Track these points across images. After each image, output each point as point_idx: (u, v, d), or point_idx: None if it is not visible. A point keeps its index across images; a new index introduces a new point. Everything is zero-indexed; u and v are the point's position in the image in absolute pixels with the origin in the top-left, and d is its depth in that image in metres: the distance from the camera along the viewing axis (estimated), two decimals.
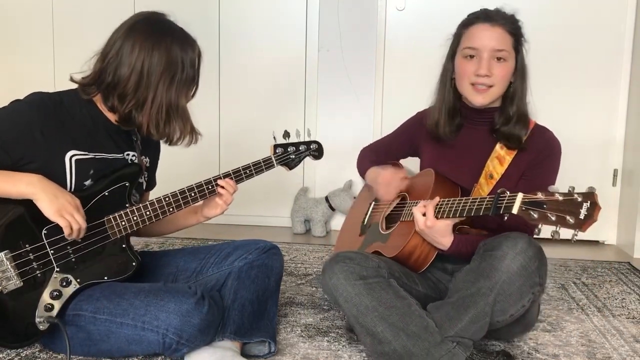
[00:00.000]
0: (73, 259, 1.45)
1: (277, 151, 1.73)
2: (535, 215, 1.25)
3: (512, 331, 1.62)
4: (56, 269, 1.43)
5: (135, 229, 1.52)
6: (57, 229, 1.40)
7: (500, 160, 1.60)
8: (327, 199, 3.09)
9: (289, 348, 1.64)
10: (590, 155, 3.02)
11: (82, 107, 1.49)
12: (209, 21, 3.18)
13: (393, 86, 3.10)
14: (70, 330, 1.42)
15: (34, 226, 1.41)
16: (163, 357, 1.50)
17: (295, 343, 1.68)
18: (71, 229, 1.39)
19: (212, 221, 1.73)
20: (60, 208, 1.37)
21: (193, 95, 1.59)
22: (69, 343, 1.37)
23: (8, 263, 1.38)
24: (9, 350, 1.55)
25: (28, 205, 1.38)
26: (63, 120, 1.45)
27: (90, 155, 1.49)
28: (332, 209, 3.08)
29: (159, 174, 1.80)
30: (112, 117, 1.52)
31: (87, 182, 1.48)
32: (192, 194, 1.58)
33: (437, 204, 1.48)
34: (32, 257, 1.40)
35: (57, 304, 1.42)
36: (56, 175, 1.42)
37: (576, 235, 1.23)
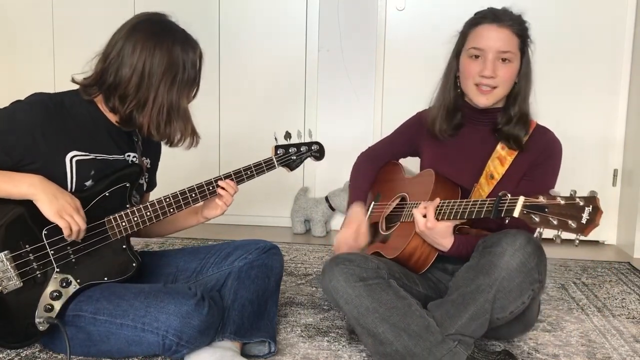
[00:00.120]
0: (73, 260, 1.45)
1: (278, 152, 1.73)
2: (537, 219, 1.25)
3: (513, 330, 1.62)
4: (56, 269, 1.43)
5: (135, 229, 1.52)
6: (58, 229, 1.40)
7: (501, 160, 1.60)
8: (327, 199, 3.09)
9: (289, 348, 1.64)
10: (590, 155, 3.02)
11: (83, 107, 1.49)
12: (209, 21, 3.18)
13: (393, 86, 3.10)
14: (70, 331, 1.42)
15: (34, 226, 1.41)
16: (163, 358, 1.50)
17: (295, 343, 1.68)
18: (71, 230, 1.39)
19: (212, 221, 1.73)
20: (60, 209, 1.37)
21: (194, 97, 1.59)
22: (69, 344, 1.37)
23: (8, 263, 1.38)
24: (9, 350, 1.55)
25: (28, 205, 1.39)
26: (64, 121, 1.45)
27: (91, 156, 1.49)
28: (332, 209, 3.08)
29: (159, 174, 1.80)
30: (113, 117, 1.52)
31: (88, 183, 1.48)
32: (193, 195, 1.58)
33: (438, 206, 1.48)
34: (32, 257, 1.40)
35: (57, 305, 1.42)
36: (57, 176, 1.43)
37: (578, 239, 1.23)
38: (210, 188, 1.61)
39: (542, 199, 1.25)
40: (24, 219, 1.40)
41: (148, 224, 1.53)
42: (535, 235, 1.29)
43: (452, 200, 1.47)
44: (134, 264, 1.52)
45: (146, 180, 1.68)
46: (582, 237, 1.21)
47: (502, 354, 1.48)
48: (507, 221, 1.33)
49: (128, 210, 1.51)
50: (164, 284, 1.59)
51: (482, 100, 1.58)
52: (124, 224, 1.50)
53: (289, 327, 1.79)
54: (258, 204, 3.25)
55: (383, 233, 1.73)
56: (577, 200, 1.21)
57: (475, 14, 1.62)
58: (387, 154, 1.89)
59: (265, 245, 1.68)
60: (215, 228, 3.04)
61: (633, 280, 2.38)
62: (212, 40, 3.19)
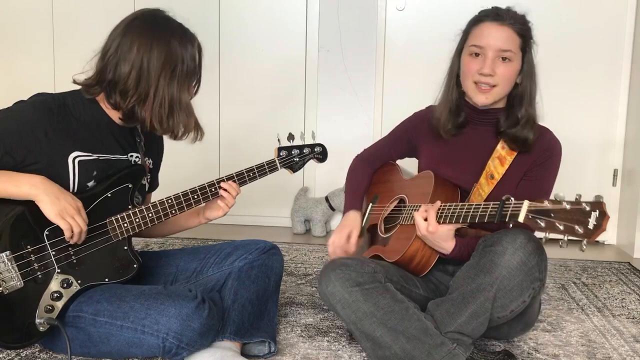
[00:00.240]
0: (74, 260, 1.45)
1: (281, 154, 1.73)
2: (543, 224, 1.24)
3: (513, 329, 1.62)
4: (57, 270, 1.43)
5: (137, 230, 1.52)
6: (59, 230, 1.40)
7: (501, 160, 1.59)
8: (327, 199, 3.09)
9: (289, 348, 1.64)
10: (590, 155, 3.02)
11: (86, 107, 1.49)
12: (209, 21, 3.18)
13: (393, 86, 3.10)
14: (70, 332, 1.42)
15: (36, 227, 1.41)
16: (163, 359, 1.50)
17: (295, 343, 1.68)
18: (72, 231, 1.39)
19: (212, 221, 1.73)
20: (61, 210, 1.37)
21: (196, 92, 1.58)
22: (70, 344, 1.37)
23: (10, 264, 1.38)
24: (9, 350, 1.55)
25: (30, 206, 1.39)
26: (67, 121, 1.45)
27: (94, 157, 1.49)
28: (332, 209, 3.08)
29: (160, 175, 1.80)
30: (116, 117, 1.52)
31: (90, 184, 1.48)
32: (195, 197, 1.58)
33: (439, 209, 1.48)
34: (33, 258, 1.40)
35: (58, 305, 1.42)
36: (59, 177, 1.43)
37: (585, 245, 1.22)
38: (213, 189, 1.61)
39: (547, 204, 1.24)
40: (26, 219, 1.40)
41: (150, 225, 1.53)
42: (542, 240, 1.28)
43: (454, 204, 1.46)
44: (135, 265, 1.52)
45: (148, 180, 1.68)
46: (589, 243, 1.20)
47: (501, 354, 1.48)
48: (510, 225, 1.31)
49: (130, 212, 1.51)
50: (164, 284, 1.59)
51: (481, 98, 1.57)
52: (125, 225, 1.50)
53: (289, 327, 1.79)
54: (258, 204, 3.25)
55: (382, 235, 1.72)
56: (583, 205, 1.19)
57: (479, 12, 1.61)
58: (384, 156, 1.88)
59: (265, 246, 1.68)
60: (215, 228, 3.03)
61: (633, 280, 2.38)
62: (212, 40, 3.19)
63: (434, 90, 1.71)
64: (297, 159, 1.76)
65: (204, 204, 1.63)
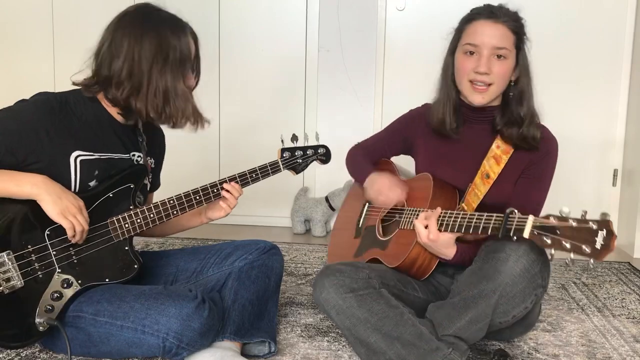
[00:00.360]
0: (75, 260, 1.45)
1: (284, 155, 1.73)
2: (549, 241, 1.23)
3: (514, 331, 1.62)
4: (58, 270, 1.43)
5: (138, 231, 1.52)
6: (60, 229, 1.40)
7: (496, 159, 1.58)
8: (327, 199, 3.09)
9: (289, 348, 1.64)
10: (590, 155, 3.02)
11: (88, 106, 1.50)
12: (209, 21, 3.18)
13: (393, 86, 3.11)
14: (71, 332, 1.42)
15: (37, 227, 1.41)
16: (163, 359, 1.50)
17: (295, 343, 1.68)
18: (74, 230, 1.39)
19: (213, 221, 1.73)
20: (63, 209, 1.37)
21: (197, 81, 1.58)
22: (69, 345, 1.37)
23: (10, 263, 1.38)
24: (9, 350, 1.55)
25: (31, 205, 1.38)
26: (68, 120, 1.45)
27: (96, 156, 1.49)
28: (332, 209, 3.08)
29: (160, 175, 1.80)
30: (117, 114, 1.52)
31: (92, 183, 1.48)
32: (197, 197, 1.58)
33: (440, 216, 1.46)
34: (34, 257, 1.40)
35: (58, 305, 1.42)
36: (61, 176, 1.42)
37: (592, 263, 1.21)
38: (215, 190, 1.61)
39: (552, 220, 1.23)
40: (27, 219, 1.40)
41: (151, 225, 1.53)
42: (549, 257, 1.26)
43: (455, 212, 1.44)
44: (135, 266, 1.52)
45: (150, 180, 1.68)
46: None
47: (497, 355, 1.48)
48: (515, 238, 1.29)
49: (132, 212, 1.51)
50: (164, 284, 1.59)
51: (477, 98, 1.56)
52: (127, 225, 1.50)
53: (289, 327, 1.79)
54: (258, 204, 3.25)
55: (380, 238, 1.71)
56: (590, 224, 1.18)
57: (471, 10, 1.60)
58: (379, 151, 1.86)
59: (265, 246, 1.68)
60: (215, 228, 3.03)
61: (633, 280, 2.38)
62: (212, 40, 3.19)
63: (434, 90, 1.70)
64: (300, 161, 1.76)
65: (205, 205, 1.63)
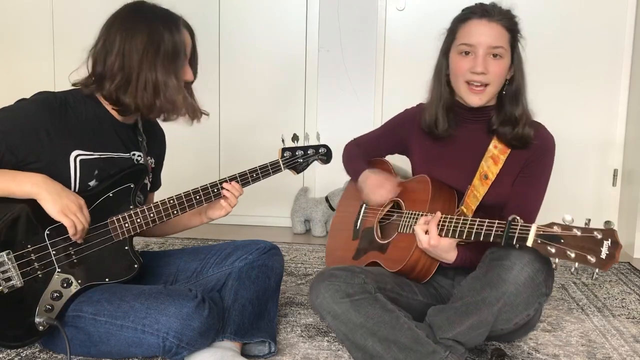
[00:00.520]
0: (75, 260, 1.45)
1: (284, 155, 1.73)
2: (553, 250, 1.21)
3: (514, 334, 1.61)
4: (57, 269, 1.43)
5: (138, 231, 1.52)
6: (60, 229, 1.40)
7: (494, 159, 1.56)
8: (327, 199, 3.09)
9: (289, 348, 1.64)
10: (590, 155, 3.02)
11: (88, 105, 1.50)
12: (209, 21, 3.18)
13: (393, 86, 3.11)
14: (70, 332, 1.42)
15: (37, 226, 1.41)
16: (163, 359, 1.50)
17: (295, 343, 1.68)
18: (75, 228, 1.39)
19: (212, 221, 1.72)
20: (64, 208, 1.37)
21: (195, 76, 1.57)
22: (69, 344, 1.37)
23: (10, 263, 1.38)
24: (9, 350, 1.55)
25: (31, 205, 1.38)
26: (68, 120, 1.45)
27: (96, 155, 1.49)
28: (332, 209, 3.08)
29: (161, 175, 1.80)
30: (112, 110, 1.52)
31: (92, 183, 1.48)
32: (197, 197, 1.58)
33: (440, 221, 1.44)
34: (33, 257, 1.40)
35: (57, 305, 1.42)
36: (61, 176, 1.42)
37: (597, 274, 1.20)
38: (215, 190, 1.61)
39: (556, 229, 1.21)
40: (27, 218, 1.40)
41: (151, 225, 1.53)
42: (553, 266, 1.25)
43: (455, 217, 1.43)
44: (135, 266, 1.52)
45: (150, 180, 1.68)
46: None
47: (495, 354, 1.48)
48: (517, 246, 1.28)
49: (132, 212, 1.51)
50: (164, 284, 1.59)
51: (474, 99, 1.54)
52: (127, 225, 1.50)
53: (289, 327, 1.79)
54: (258, 204, 3.25)
55: (379, 241, 1.70)
56: (595, 233, 1.17)
57: (464, 10, 1.58)
58: (375, 150, 1.85)
59: (265, 246, 1.68)
60: (215, 228, 3.03)
61: (633, 280, 2.38)
62: (212, 40, 3.19)
63: (428, 86, 1.67)
64: (301, 160, 1.76)
65: (205, 204, 1.63)
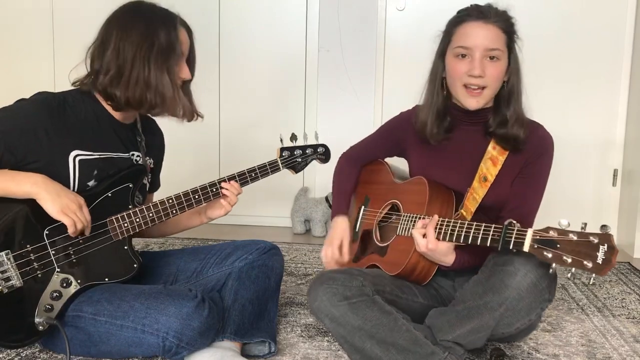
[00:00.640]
0: (74, 260, 1.45)
1: (283, 154, 1.73)
2: (549, 255, 1.21)
3: (515, 336, 1.61)
4: (57, 269, 1.43)
5: (137, 230, 1.52)
6: (59, 229, 1.40)
7: (493, 161, 1.55)
8: (327, 199, 3.09)
9: (289, 348, 1.64)
10: (590, 155, 3.02)
11: (87, 105, 1.50)
12: (209, 21, 3.18)
13: (393, 86, 3.10)
14: (70, 331, 1.42)
15: (36, 226, 1.41)
16: (163, 359, 1.50)
17: (295, 343, 1.68)
18: (75, 227, 1.39)
19: (212, 221, 1.73)
20: (63, 207, 1.37)
21: (193, 75, 1.57)
22: (69, 344, 1.37)
23: (9, 263, 1.38)
24: (9, 350, 1.55)
25: (30, 205, 1.38)
26: (67, 119, 1.45)
27: (95, 156, 1.49)
28: None
29: (160, 175, 1.80)
30: (115, 112, 1.52)
31: (91, 183, 1.48)
32: (196, 197, 1.58)
33: (437, 225, 1.43)
34: (33, 257, 1.40)
35: (57, 305, 1.42)
36: (60, 176, 1.42)
37: (593, 279, 1.19)
38: (214, 189, 1.61)
39: (552, 234, 1.21)
40: (26, 218, 1.40)
41: (150, 225, 1.53)
42: (550, 271, 1.23)
43: (453, 220, 1.42)
44: (135, 265, 1.52)
45: (149, 180, 1.68)
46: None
47: (493, 354, 1.48)
48: (515, 250, 1.27)
49: (130, 211, 1.51)
50: (164, 284, 1.59)
51: (472, 102, 1.52)
52: (126, 224, 1.50)
53: (289, 327, 1.79)
54: (258, 204, 3.25)
55: (379, 244, 1.69)
56: (591, 238, 1.16)
57: (459, 12, 1.56)
58: (371, 155, 1.83)
59: (265, 246, 1.68)
60: (215, 228, 3.03)
61: (633, 280, 2.38)
62: (212, 40, 3.19)
63: (422, 88, 1.66)
64: (300, 160, 1.76)
65: (205, 204, 1.63)
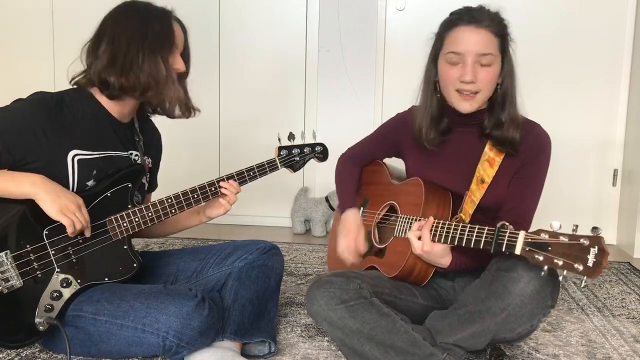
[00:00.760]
0: (74, 260, 1.45)
1: (281, 153, 1.73)
2: (541, 258, 1.20)
3: (516, 338, 1.61)
4: (57, 269, 1.43)
5: (136, 230, 1.52)
6: (58, 229, 1.40)
7: (490, 162, 1.55)
8: (327, 199, 3.09)
9: (289, 348, 1.64)
10: (590, 155, 3.02)
11: (85, 104, 1.50)
12: (209, 21, 3.18)
13: (393, 86, 3.10)
14: (71, 331, 1.42)
15: (36, 226, 1.41)
16: (163, 358, 1.50)
17: (295, 343, 1.68)
18: (74, 227, 1.39)
19: (212, 221, 1.73)
20: (62, 207, 1.37)
21: (188, 69, 1.58)
22: (69, 344, 1.37)
23: (9, 263, 1.38)
24: (9, 350, 1.55)
25: (29, 205, 1.38)
26: (65, 119, 1.45)
27: (94, 155, 1.49)
28: (332, 209, 3.08)
29: (159, 174, 1.80)
30: (114, 111, 1.53)
31: (90, 183, 1.48)
32: (195, 196, 1.59)
33: (432, 227, 1.43)
34: (32, 257, 1.40)
35: (57, 305, 1.42)
36: (58, 175, 1.43)
37: (585, 282, 1.19)
38: (213, 189, 1.61)
39: (544, 236, 1.21)
40: (25, 218, 1.40)
41: (150, 224, 1.53)
42: (541, 274, 1.22)
43: (447, 222, 1.42)
44: (134, 265, 1.52)
45: (148, 180, 1.68)
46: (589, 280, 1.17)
47: (493, 354, 1.48)
48: (507, 253, 1.27)
49: (129, 211, 1.51)
50: (164, 284, 1.59)
51: (465, 106, 1.51)
52: (125, 224, 1.50)
53: (289, 327, 1.79)
54: (258, 204, 3.25)
55: (377, 245, 1.69)
56: (582, 240, 1.16)
57: (451, 14, 1.54)
58: (369, 156, 1.83)
59: (265, 246, 1.68)
60: (215, 228, 3.04)
61: (633, 280, 2.38)
62: (212, 40, 3.19)
63: (418, 90, 1.66)
64: (298, 158, 1.76)
65: (204, 203, 1.63)
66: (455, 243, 1.39)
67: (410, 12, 3.07)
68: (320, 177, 3.20)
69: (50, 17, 3.29)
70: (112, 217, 1.49)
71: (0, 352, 1.54)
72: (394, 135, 1.75)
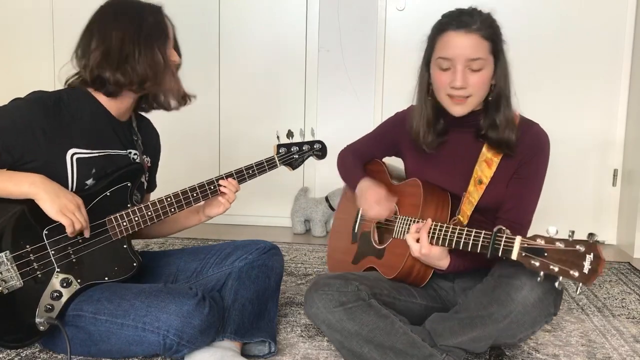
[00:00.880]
0: (74, 260, 1.45)
1: (280, 151, 1.73)
2: (537, 264, 1.20)
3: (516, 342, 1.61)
4: (57, 269, 1.43)
5: (136, 229, 1.52)
6: (58, 229, 1.40)
7: (488, 163, 1.54)
8: (327, 199, 3.09)
9: (289, 348, 1.64)
10: (590, 155, 3.02)
11: (83, 103, 1.50)
12: (209, 21, 3.18)
13: (393, 86, 3.10)
14: (71, 331, 1.42)
15: (35, 226, 1.41)
16: (163, 357, 1.50)
17: (295, 343, 1.68)
18: (74, 227, 1.39)
19: (212, 221, 1.73)
20: (62, 207, 1.37)
21: (180, 64, 1.58)
22: (69, 344, 1.37)
23: (9, 263, 1.38)
24: (9, 350, 1.55)
25: (29, 205, 1.38)
26: (63, 118, 1.45)
27: (93, 154, 1.49)
28: (332, 209, 3.08)
29: (159, 173, 1.80)
30: (113, 109, 1.53)
31: (89, 182, 1.48)
32: (194, 194, 1.59)
33: (430, 229, 1.43)
34: (32, 257, 1.40)
35: (58, 305, 1.42)
36: (58, 175, 1.42)
37: (580, 289, 1.19)
38: (212, 188, 1.61)
39: (540, 241, 1.21)
40: (25, 219, 1.40)
41: (149, 223, 1.53)
42: (537, 279, 1.22)
43: (445, 225, 1.41)
44: (134, 264, 1.52)
45: (147, 179, 1.68)
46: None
47: (492, 354, 1.47)
48: (504, 258, 1.27)
49: (129, 210, 1.51)
50: (165, 284, 1.59)
51: (457, 110, 1.51)
52: (124, 223, 1.50)
53: (289, 327, 1.79)
54: (258, 204, 3.25)
55: (376, 246, 1.69)
56: (578, 247, 1.16)
57: (442, 17, 1.54)
58: (369, 155, 1.83)
59: (265, 246, 1.68)
60: (215, 228, 3.04)
61: (633, 280, 2.38)
62: (212, 40, 3.19)
63: (414, 90, 1.66)
64: (297, 156, 1.77)
65: (203, 202, 1.63)
66: (453, 246, 1.38)
67: (410, 12, 3.07)
68: (321, 177, 3.20)
69: (50, 17, 3.29)
70: (112, 217, 1.49)
71: (0, 352, 1.54)
72: (392, 135, 1.75)
